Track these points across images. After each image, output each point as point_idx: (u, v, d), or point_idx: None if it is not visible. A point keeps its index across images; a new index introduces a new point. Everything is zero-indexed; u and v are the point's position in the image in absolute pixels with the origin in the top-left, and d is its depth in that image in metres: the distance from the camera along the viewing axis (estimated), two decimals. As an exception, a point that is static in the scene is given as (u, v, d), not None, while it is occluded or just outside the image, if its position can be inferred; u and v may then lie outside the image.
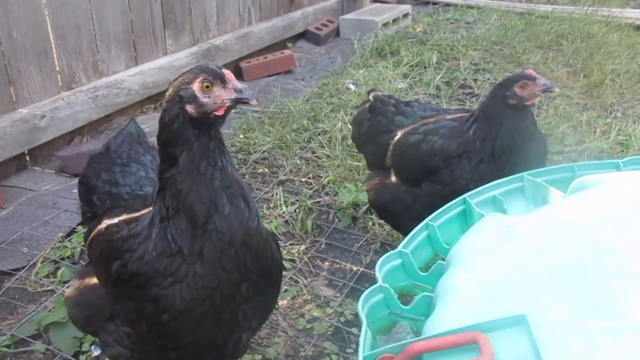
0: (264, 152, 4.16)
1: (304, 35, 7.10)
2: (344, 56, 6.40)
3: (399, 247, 1.74)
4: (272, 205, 3.56)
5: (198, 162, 1.59)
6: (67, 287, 2.76)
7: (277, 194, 3.64)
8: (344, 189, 3.59)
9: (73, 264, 3.03)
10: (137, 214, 1.85)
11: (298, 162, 4.05)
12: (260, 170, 3.98)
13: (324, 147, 4.16)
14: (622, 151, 4.02)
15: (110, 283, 1.81)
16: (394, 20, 7.38)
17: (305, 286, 2.90)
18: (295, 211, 3.49)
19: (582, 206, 1.67)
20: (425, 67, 5.70)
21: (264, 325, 2.31)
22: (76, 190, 2.38)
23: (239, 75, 5.88)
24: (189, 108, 1.58)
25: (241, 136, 4.41)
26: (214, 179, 1.60)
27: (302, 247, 3.19)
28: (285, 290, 2.82)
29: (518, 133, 2.48)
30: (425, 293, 1.61)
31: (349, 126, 3.62)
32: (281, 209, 3.50)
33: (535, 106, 4.85)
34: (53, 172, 4.03)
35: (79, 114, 4.28)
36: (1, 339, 2.54)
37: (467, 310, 1.37)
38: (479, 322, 1.30)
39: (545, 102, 4.99)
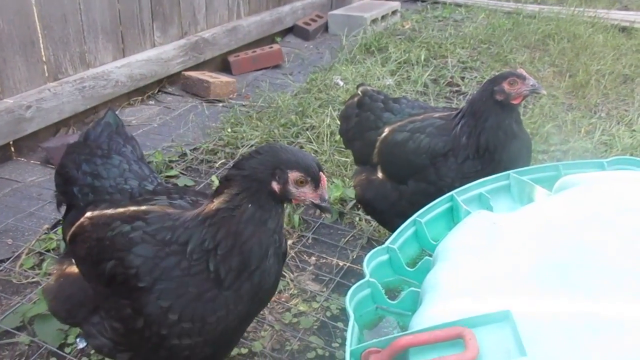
0: (251, 146, 4.15)
1: (292, 30, 7.09)
2: (332, 52, 6.41)
3: (387, 243, 1.76)
4: (259, 200, 3.56)
5: (266, 219, 1.70)
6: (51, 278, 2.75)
7: (264, 188, 3.64)
8: (331, 184, 3.60)
9: (58, 256, 3.01)
10: (132, 208, 1.85)
11: (286, 157, 4.05)
12: (247, 165, 3.98)
13: (311, 143, 4.16)
14: (605, 151, 4.07)
15: (102, 282, 1.80)
16: (383, 17, 7.40)
17: (292, 280, 2.91)
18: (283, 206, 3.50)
19: (567, 205, 1.70)
20: (413, 65, 5.73)
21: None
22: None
23: (226, 68, 5.86)
24: (275, 185, 1.68)
25: (229, 130, 4.40)
26: (274, 234, 1.73)
27: (289, 242, 3.20)
28: (272, 285, 2.83)
29: (502, 131, 2.51)
30: (412, 288, 1.63)
31: (337, 122, 3.63)
32: (268, 204, 3.51)
33: (522, 105, 4.89)
34: (38, 163, 4.00)
35: (65, 105, 4.24)
36: (-15, 330, 2.53)
37: (453, 305, 1.39)
38: (465, 317, 1.32)
39: (531, 101, 5.03)
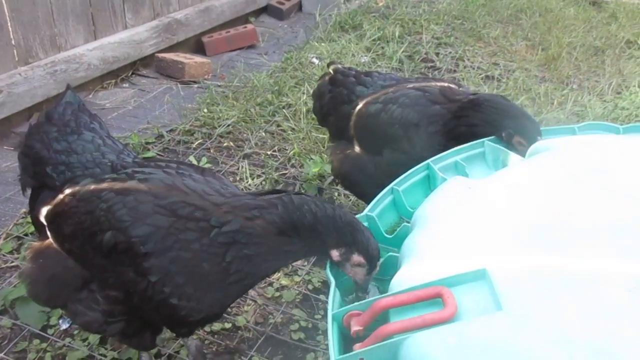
0: (228, 126, 4.14)
1: (266, 9, 7.03)
2: (307, 30, 6.38)
3: (365, 211, 1.79)
4: (238, 179, 3.57)
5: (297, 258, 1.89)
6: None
7: (242, 167, 3.65)
8: (309, 160, 3.62)
9: (36, 239, 2.99)
10: (123, 183, 1.84)
11: (263, 135, 4.06)
12: (225, 144, 3.98)
13: (288, 120, 4.17)
14: (578, 121, 4.13)
15: (100, 254, 1.80)
16: (357, -5, 7.37)
17: (273, 256, 2.93)
18: (261, 184, 3.51)
19: (540, 168, 1.74)
20: (387, 41, 5.74)
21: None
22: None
23: (200, 50, 5.81)
24: (334, 254, 1.73)
25: (205, 110, 4.38)
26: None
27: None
28: (253, 261, 2.86)
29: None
30: (391, 254, 1.67)
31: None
32: (247, 182, 3.52)
33: (495, 78, 4.96)
34: (12, 149, 3.94)
35: (37, 90, 4.17)
36: (-35, 315, 2.51)
37: (431, 267, 1.43)
38: (443, 277, 1.36)
39: (504, 75, 5.09)
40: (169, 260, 1.72)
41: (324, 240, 1.72)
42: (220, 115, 4.28)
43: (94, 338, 2.42)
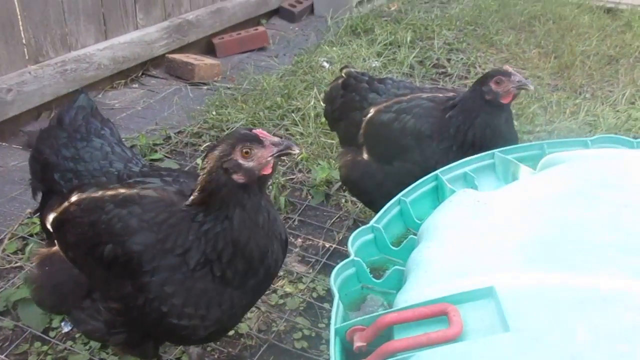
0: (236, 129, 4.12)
1: (277, 12, 7.01)
2: (318, 34, 6.36)
3: (371, 222, 1.75)
4: (245, 182, 3.54)
5: (255, 216, 1.71)
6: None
7: (250, 171, 3.62)
8: (317, 166, 3.59)
9: (42, 240, 2.97)
10: (124, 191, 1.83)
11: (271, 139, 4.03)
12: (233, 147, 3.95)
13: (297, 125, 4.14)
14: (590, 131, 4.09)
15: (102, 265, 1.79)
16: (369, -1, 7.34)
17: (278, 262, 2.90)
18: (268, 189, 3.49)
19: (550, 182, 1.70)
20: (399, 46, 5.70)
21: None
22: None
23: (211, 51, 5.80)
24: (236, 177, 1.67)
25: (214, 113, 4.36)
26: (269, 229, 1.75)
27: (275, 224, 3.19)
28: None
29: (490, 129, 2.50)
30: (396, 267, 1.63)
31: (323, 104, 3.61)
32: (254, 186, 3.49)
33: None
34: (20, 147, 3.94)
35: (47, 89, 4.18)
36: (-32, 315, 2.50)
37: (437, 283, 1.39)
38: (449, 294, 1.32)
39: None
40: (166, 283, 1.71)
41: (219, 185, 1.67)
42: (229, 117, 4.27)
43: (95, 342, 2.40)
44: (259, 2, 6.56)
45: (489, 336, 1.21)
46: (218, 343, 2.44)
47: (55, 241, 1.98)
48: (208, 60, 5.29)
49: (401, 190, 1.90)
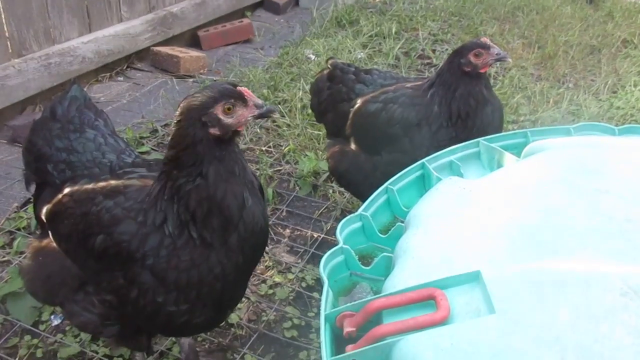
0: (223, 121, 4.12)
1: (262, 4, 7.00)
2: (303, 26, 6.36)
3: (359, 211, 1.78)
4: (232, 175, 3.55)
5: (232, 167, 1.67)
6: (24, 257, 2.72)
7: (237, 163, 3.63)
8: (304, 157, 3.61)
9: (29, 234, 2.97)
10: (113, 182, 1.83)
11: (258, 131, 4.05)
12: (220, 140, 3.95)
13: (284, 116, 4.15)
14: (573, 120, 4.15)
15: (93, 257, 1.79)
16: (354, -10, 7.33)
17: (267, 253, 2.92)
18: (257, 174, 3.50)
19: (534, 170, 1.73)
20: (384, 38, 5.72)
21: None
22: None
23: (196, 44, 5.78)
24: (214, 131, 1.63)
25: (200, 105, 4.35)
26: (243, 178, 1.70)
27: (263, 215, 3.20)
28: (247, 258, 2.85)
29: (472, 98, 2.54)
30: (384, 254, 1.66)
31: (309, 95, 3.63)
32: (242, 178, 3.50)
33: (491, 76, 4.95)
34: (5, 142, 3.92)
35: (31, 83, 4.15)
36: (-44, 310, 2.50)
37: (424, 268, 1.42)
38: (436, 279, 1.35)
39: (500, 72, 5.08)
40: (153, 269, 1.70)
41: (195, 140, 1.64)
42: (215, 110, 4.25)
43: (85, 334, 2.41)
44: (244, -6, 6.54)
45: (475, 319, 1.24)
46: (209, 333, 2.46)
47: (49, 232, 1.98)
48: (193, 53, 5.28)
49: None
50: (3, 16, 3.95)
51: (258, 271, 2.81)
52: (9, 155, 3.74)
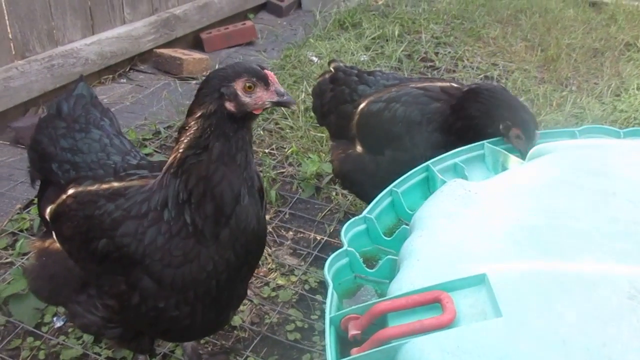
0: (226, 123, 4.12)
1: (265, 6, 7.01)
2: (306, 28, 6.36)
3: (364, 213, 1.77)
4: (235, 177, 3.55)
5: (235, 153, 1.63)
6: (27, 259, 2.72)
7: (240, 165, 3.63)
8: (307, 159, 3.60)
9: (32, 235, 2.96)
10: (115, 185, 1.82)
11: (261, 133, 4.04)
12: (222, 142, 3.95)
13: (287, 119, 4.15)
14: (576, 123, 4.14)
15: (95, 260, 1.78)
16: (356, -7, 7.34)
17: (270, 255, 2.92)
18: (262, 177, 3.49)
19: (539, 172, 1.73)
20: (387, 40, 5.72)
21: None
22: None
23: (199, 46, 5.78)
24: (229, 105, 1.60)
25: (203, 107, 4.35)
26: (244, 171, 1.66)
27: (267, 217, 3.20)
28: (250, 260, 2.84)
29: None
30: (389, 257, 1.66)
31: (312, 97, 3.62)
32: (244, 180, 3.50)
33: (494, 79, 4.94)
34: (8, 143, 3.91)
35: (34, 84, 4.15)
36: (-41, 312, 2.49)
37: (430, 271, 1.42)
38: (442, 282, 1.35)
39: (503, 75, 5.08)
40: (150, 270, 1.69)
41: (210, 110, 1.60)
42: (218, 112, 4.25)
43: (88, 336, 2.40)
44: (247, -3, 6.55)
45: (482, 322, 1.24)
46: (212, 336, 2.45)
47: (53, 232, 1.98)
48: (196, 55, 5.28)
49: (393, 181, 1.92)
50: (7, 18, 3.96)
51: (261, 274, 2.80)
52: (11, 157, 3.74)
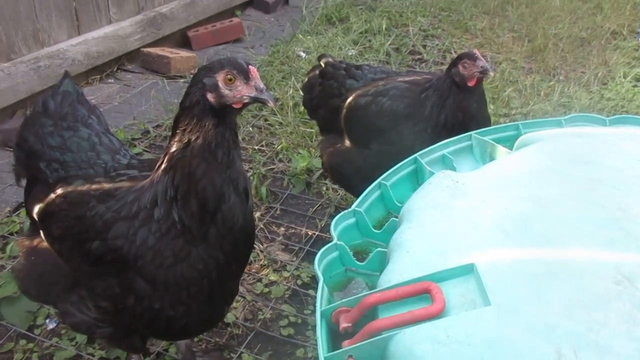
0: (215, 121, 4.11)
1: (252, 3, 6.98)
2: (293, 24, 6.34)
3: (353, 206, 1.78)
4: (225, 174, 3.54)
5: (214, 150, 1.63)
6: (17, 261, 2.70)
7: (230, 162, 3.62)
8: (297, 155, 3.60)
9: (19, 233, 2.95)
10: (106, 185, 1.81)
11: (251, 129, 4.04)
12: (212, 140, 3.94)
13: (276, 114, 4.15)
14: (564, 112, 4.16)
15: (88, 262, 1.77)
16: (343, -13, 7.32)
17: (262, 251, 2.92)
18: (250, 178, 3.49)
19: (525, 161, 1.74)
20: (374, 34, 5.72)
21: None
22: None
23: (186, 44, 5.76)
24: (210, 96, 1.61)
25: (192, 105, 4.34)
26: (227, 169, 1.66)
27: (258, 214, 3.20)
28: (242, 257, 2.85)
29: (460, 112, 2.54)
30: (379, 249, 1.66)
31: (301, 93, 3.62)
32: (235, 177, 3.49)
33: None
34: (-5, 146, 3.89)
35: (20, 86, 4.12)
36: (-50, 316, 2.48)
37: (419, 262, 1.42)
38: (431, 272, 1.36)
39: (491, 66, 5.09)
40: (143, 271, 1.69)
41: (193, 101, 1.62)
42: (207, 110, 4.24)
43: (81, 337, 2.40)
44: (233, -7, 6.52)
45: (471, 311, 1.25)
46: (205, 333, 2.45)
47: (41, 231, 1.96)
48: (184, 53, 5.26)
49: (380, 174, 1.93)
50: (-9, 20, 3.93)
51: (253, 270, 2.81)
52: (0, 160, 3.71)
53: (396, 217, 1.75)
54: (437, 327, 1.22)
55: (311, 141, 3.81)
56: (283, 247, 3.00)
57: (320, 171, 3.44)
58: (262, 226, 3.12)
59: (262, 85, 1.64)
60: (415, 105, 2.58)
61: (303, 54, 5.23)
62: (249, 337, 2.46)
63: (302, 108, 3.80)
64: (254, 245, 2.92)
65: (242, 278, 2.72)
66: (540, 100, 4.38)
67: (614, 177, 1.58)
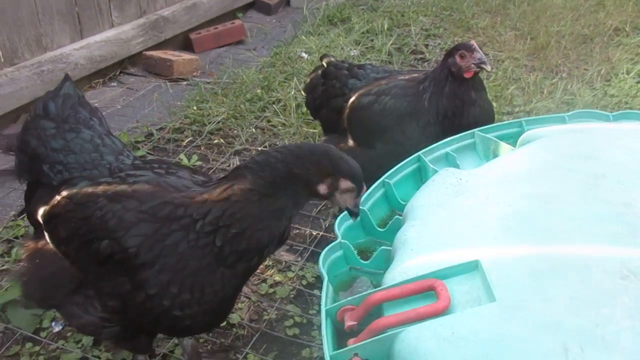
0: (218, 122, 4.12)
1: (253, 5, 6.99)
2: (295, 25, 6.34)
3: (357, 205, 1.77)
4: (229, 175, 3.55)
5: (289, 213, 1.71)
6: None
7: (233, 163, 3.63)
8: (300, 156, 3.59)
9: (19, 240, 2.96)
10: (115, 186, 1.81)
11: (254, 131, 4.04)
12: (215, 141, 3.95)
13: (278, 116, 4.15)
14: (567, 110, 4.14)
15: (97, 262, 1.77)
16: (344, -12, 7.33)
17: (266, 253, 2.92)
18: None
19: (529, 158, 1.74)
20: (376, 34, 5.71)
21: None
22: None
23: (188, 47, 5.77)
24: (322, 188, 1.67)
25: (194, 108, 4.35)
26: (284, 227, 1.72)
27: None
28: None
29: (458, 99, 2.54)
30: (383, 247, 1.66)
31: (303, 94, 3.62)
32: (239, 179, 3.50)
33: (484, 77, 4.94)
34: (0, 151, 3.90)
35: (24, 91, 4.13)
36: (-43, 320, 2.49)
37: (423, 260, 1.43)
38: (436, 270, 1.36)
39: (494, 64, 5.08)
40: (162, 270, 1.69)
41: (307, 180, 1.65)
42: (210, 112, 4.25)
43: (87, 340, 2.40)
44: (235, -4, 6.53)
45: (476, 307, 1.25)
46: (210, 334, 2.45)
47: (46, 234, 1.96)
48: (186, 56, 5.27)
49: (385, 173, 1.93)
50: (-6, 25, 3.94)
51: (258, 271, 2.80)
52: (4, 164, 3.72)
53: (400, 215, 1.76)
54: (443, 324, 1.22)
55: (314, 141, 3.81)
56: (287, 247, 3.00)
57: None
58: (266, 227, 3.11)
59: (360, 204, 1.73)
60: (416, 101, 2.58)
61: (305, 55, 5.23)
62: (254, 338, 2.46)
63: (305, 109, 3.80)
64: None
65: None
66: (543, 98, 4.37)
67: (618, 172, 1.57)
